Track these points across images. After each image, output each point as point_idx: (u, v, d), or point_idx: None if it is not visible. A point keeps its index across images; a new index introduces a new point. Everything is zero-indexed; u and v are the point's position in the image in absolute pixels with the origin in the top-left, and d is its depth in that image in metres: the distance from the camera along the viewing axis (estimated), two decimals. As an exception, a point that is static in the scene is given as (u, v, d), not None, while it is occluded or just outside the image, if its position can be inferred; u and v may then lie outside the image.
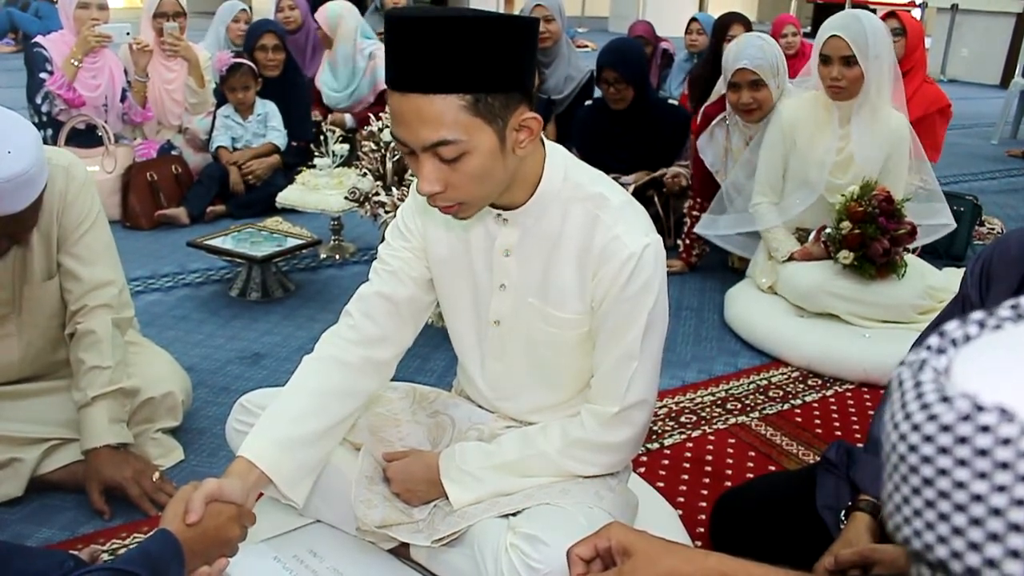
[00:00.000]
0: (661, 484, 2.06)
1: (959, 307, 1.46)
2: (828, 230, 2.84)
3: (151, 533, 1.30)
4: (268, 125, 4.19)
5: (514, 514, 1.46)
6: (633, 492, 1.65)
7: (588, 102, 4.10)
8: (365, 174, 2.82)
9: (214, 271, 3.35)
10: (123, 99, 3.95)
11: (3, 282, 1.84)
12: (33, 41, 3.89)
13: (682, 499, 2.02)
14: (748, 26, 4.05)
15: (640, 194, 3.70)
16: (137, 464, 1.91)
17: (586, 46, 11.41)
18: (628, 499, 1.59)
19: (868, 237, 2.72)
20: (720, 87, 3.38)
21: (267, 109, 4.19)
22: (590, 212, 1.42)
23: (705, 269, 3.57)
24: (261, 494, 1.50)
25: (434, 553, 1.54)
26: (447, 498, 1.53)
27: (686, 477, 2.12)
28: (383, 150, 2.75)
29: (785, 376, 2.68)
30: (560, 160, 1.45)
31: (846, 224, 2.75)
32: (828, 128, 2.95)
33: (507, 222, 1.46)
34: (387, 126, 2.77)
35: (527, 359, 1.57)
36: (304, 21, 5.17)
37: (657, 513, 1.82)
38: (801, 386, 2.63)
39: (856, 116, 2.90)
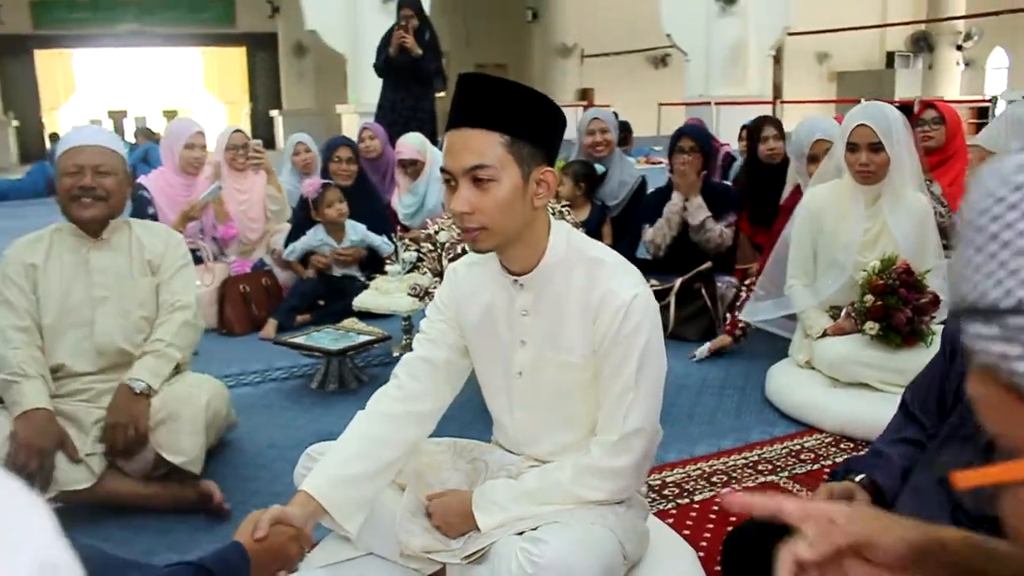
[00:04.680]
0: (687, 532, 2.24)
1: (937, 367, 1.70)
2: (854, 304, 3.04)
3: (227, 543, 1.58)
4: (365, 243, 4.61)
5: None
6: (645, 525, 1.86)
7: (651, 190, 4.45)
8: (425, 272, 3.16)
9: (297, 368, 3.72)
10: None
11: (113, 269, 2.51)
12: (137, 183, 4.43)
13: (704, 543, 2.20)
14: (779, 127, 4.34)
15: (687, 287, 3.96)
16: (134, 412, 2.37)
17: (660, 162, 11.85)
18: (636, 526, 1.80)
19: (891, 308, 2.90)
20: (794, 176, 3.64)
21: (357, 233, 4.60)
22: (590, 272, 1.71)
23: (752, 351, 3.75)
24: (319, 523, 1.75)
25: (464, 571, 1.77)
26: (479, 531, 1.78)
27: (711, 527, 2.30)
28: (439, 249, 3.09)
29: (818, 441, 2.85)
30: (564, 231, 1.76)
31: (869, 297, 2.94)
32: (853, 212, 3.17)
33: (523, 287, 1.75)
34: (442, 229, 3.13)
35: (546, 404, 1.82)
36: (383, 150, 5.68)
37: (676, 550, 2.00)
38: (833, 449, 2.78)
39: (884, 198, 3.11)
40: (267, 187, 4.86)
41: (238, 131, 4.89)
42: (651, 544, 1.90)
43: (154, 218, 4.22)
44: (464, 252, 3.04)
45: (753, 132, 4.42)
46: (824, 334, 3.16)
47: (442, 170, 1.64)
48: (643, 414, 1.71)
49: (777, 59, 17.39)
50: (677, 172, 4.02)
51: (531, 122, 1.61)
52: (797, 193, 3.62)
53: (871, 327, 2.94)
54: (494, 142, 1.57)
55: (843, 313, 3.17)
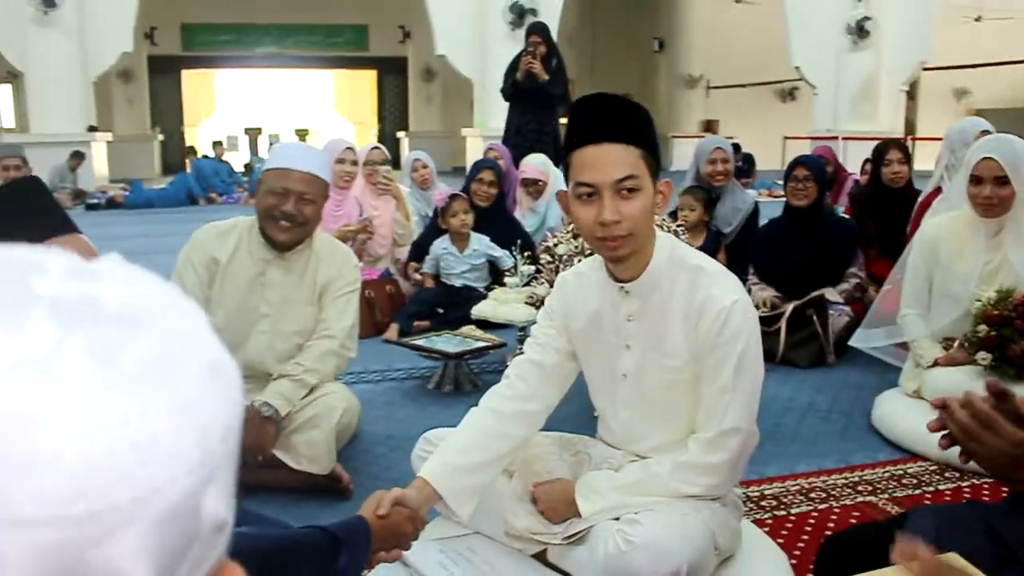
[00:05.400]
0: (780, 540, 2.30)
1: None
2: (967, 334, 3.03)
3: (352, 516, 1.76)
4: (487, 255, 4.82)
5: (624, 518, 1.81)
6: (738, 523, 1.95)
7: (764, 222, 4.51)
8: (543, 282, 3.31)
9: (415, 370, 3.93)
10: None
11: (283, 289, 2.62)
12: None
13: (797, 552, 2.26)
14: (904, 150, 4.35)
15: (799, 313, 4.00)
16: (262, 438, 2.44)
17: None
18: (729, 522, 1.89)
19: (1005, 339, 2.89)
20: (938, 177, 3.69)
21: (481, 245, 4.81)
22: (692, 279, 1.83)
23: (861, 380, 3.76)
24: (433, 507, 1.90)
25: (564, 551, 1.90)
26: (580, 516, 1.90)
27: (805, 538, 2.35)
28: (557, 261, 3.24)
29: (922, 469, 2.85)
30: (668, 241, 1.88)
31: (982, 327, 2.94)
32: (973, 244, 3.16)
33: (628, 294, 1.88)
34: (561, 242, 3.27)
35: (649, 404, 1.94)
36: (507, 170, 5.89)
37: (768, 551, 2.08)
38: (937, 477, 2.78)
39: (1007, 231, 3.10)
40: (395, 212, 5.11)
41: (376, 148, 5.20)
42: (744, 543, 1.98)
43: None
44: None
45: (878, 155, 4.43)
46: (935, 363, 3.16)
47: (580, 183, 1.74)
48: (739, 414, 1.80)
49: (911, 94, 16.99)
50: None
51: (651, 135, 1.78)
52: (935, 195, 3.64)
53: (983, 357, 2.93)
54: (635, 155, 1.71)
55: (955, 344, 3.16)
